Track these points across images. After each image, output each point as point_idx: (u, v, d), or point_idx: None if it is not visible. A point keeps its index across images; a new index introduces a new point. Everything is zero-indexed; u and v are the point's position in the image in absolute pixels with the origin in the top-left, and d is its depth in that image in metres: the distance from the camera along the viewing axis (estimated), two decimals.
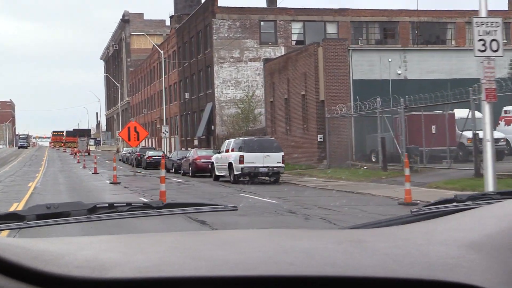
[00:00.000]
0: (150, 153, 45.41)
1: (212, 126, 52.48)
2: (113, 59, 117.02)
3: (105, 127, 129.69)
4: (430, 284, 1.14)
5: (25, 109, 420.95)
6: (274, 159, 25.02)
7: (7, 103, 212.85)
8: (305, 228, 4.20)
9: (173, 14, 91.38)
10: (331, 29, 52.94)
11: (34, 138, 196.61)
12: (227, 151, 26.90)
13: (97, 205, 2.21)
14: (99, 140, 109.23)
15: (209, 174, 30.25)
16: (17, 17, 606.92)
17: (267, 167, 24.92)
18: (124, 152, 59.66)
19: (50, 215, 2.13)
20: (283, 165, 25.38)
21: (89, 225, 8.14)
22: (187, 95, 61.50)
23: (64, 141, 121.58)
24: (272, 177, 24.95)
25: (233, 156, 25.61)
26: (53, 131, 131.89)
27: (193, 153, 33.27)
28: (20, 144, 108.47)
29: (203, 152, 33.56)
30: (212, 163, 28.75)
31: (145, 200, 4.19)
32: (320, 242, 1.45)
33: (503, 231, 1.35)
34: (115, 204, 2.26)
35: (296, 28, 53.06)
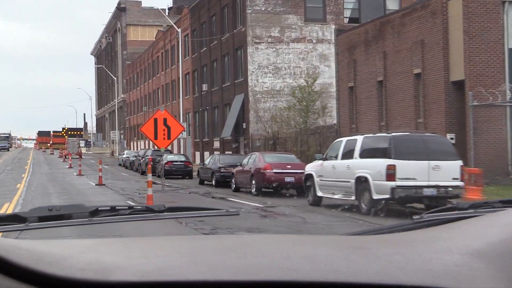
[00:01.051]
0: (169, 157, 33.96)
1: (244, 124, 41.19)
2: (105, 54, 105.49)
3: (95, 128, 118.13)
4: None
5: (8, 109, 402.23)
6: (447, 172, 13.92)
7: None
8: (308, 234, 3.69)
9: (171, 6, 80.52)
10: (392, 4, 41.77)
11: (18, 139, 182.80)
12: (346, 155, 15.60)
13: (99, 208, 2.20)
14: (90, 142, 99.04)
15: (286, 193, 20.64)
16: (3, 17, 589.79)
17: (436, 186, 13.82)
18: (125, 155, 48.42)
19: (52, 217, 2.12)
20: (461, 183, 14.26)
21: (91, 228, 7.63)
22: (204, 87, 50.09)
23: (51, 142, 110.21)
24: (440, 202, 13.59)
25: (369, 165, 14.41)
26: (39, 131, 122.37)
27: (257, 160, 21.96)
28: (0, 146, 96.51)
29: (272, 158, 22.27)
30: (308, 176, 17.45)
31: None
32: (322, 248, 1.46)
33: (505, 240, 1.34)
34: (117, 207, 2.26)
35: (350, 3, 41.98)
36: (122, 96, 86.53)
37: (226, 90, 45.77)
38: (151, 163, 21.87)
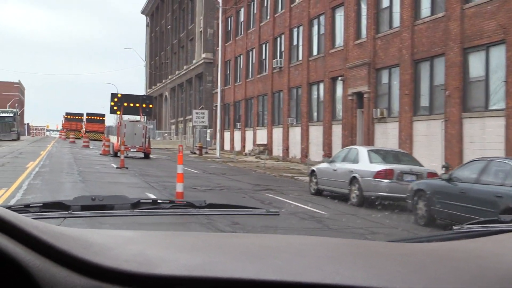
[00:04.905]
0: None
1: None
2: (168, 4, 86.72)
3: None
4: None
5: (37, 98, 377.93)
6: None
7: (14, 85, 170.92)
8: (351, 239, 2.06)
9: None
10: None
11: (45, 129, 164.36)
12: None
13: (141, 200, 2.25)
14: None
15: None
16: (33, 4, 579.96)
17: None
18: (337, 166, 32.87)
19: (94, 207, 2.18)
20: None
21: (131, 220, 6.63)
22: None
23: (84, 129, 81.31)
24: None
25: None
26: (66, 113, 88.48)
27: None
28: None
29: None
30: None
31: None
32: (364, 253, 1.46)
33: None
34: (158, 201, 2.31)
35: None
36: (204, 56, 63.01)
37: None
38: None
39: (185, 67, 72.42)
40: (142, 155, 36.86)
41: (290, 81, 38.54)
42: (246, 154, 43.87)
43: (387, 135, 26.69)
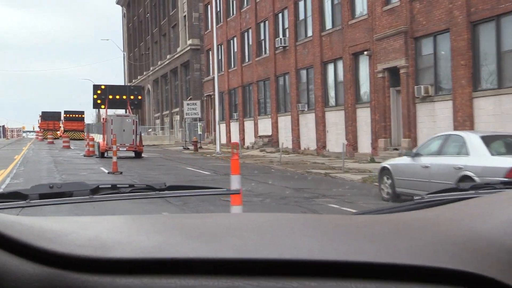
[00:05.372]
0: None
1: None
2: None
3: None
4: (434, 271, 1.11)
5: (12, 99, 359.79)
6: None
7: None
8: (310, 214, 3.59)
9: None
10: None
11: (21, 130, 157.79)
12: None
13: (100, 186, 2.22)
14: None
15: None
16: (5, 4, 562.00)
17: None
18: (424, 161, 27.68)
19: (53, 195, 2.15)
20: None
21: (91, 206, 8.41)
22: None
23: (62, 128, 76.06)
24: None
25: None
26: (42, 112, 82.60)
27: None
28: None
29: None
30: None
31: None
32: (322, 226, 1.46)
33: (507, 221, 1.32)
34: (117, 185, 2.27)
35: None
36: (190, 42, 57.64)
37: None
38: None
39: (168, 57, 67.05)
40: (132, 154, 31.78)
41: (298, 61, 33.64)
42: (248, 148, 38.96)
43: (436, 117, 21.94)
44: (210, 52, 50.38)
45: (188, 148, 43.84)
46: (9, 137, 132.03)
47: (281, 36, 35.77)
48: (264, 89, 39.22)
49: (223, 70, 47.46)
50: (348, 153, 28.06)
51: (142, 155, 32.06)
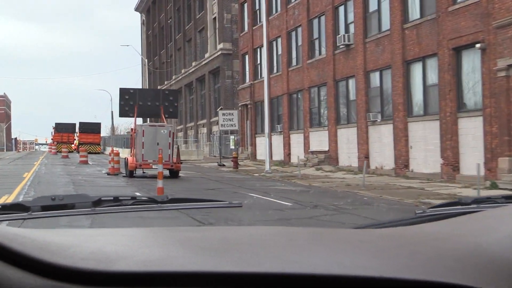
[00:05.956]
0: None
1: None
2: None
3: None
4: (438, 286, 1.12)
5: (25, 111, 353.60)
6: None
7: None
8: (311, 227, 3.38)
9: None
10: None
11: (33, 143, 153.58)
12: None
13: (102, 198, 2.23)
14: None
15: None
16: (18, 18, 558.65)
17: None
18: None
19: (55, 207, 2.16)
20: None
21: (94, 218, 8.35)
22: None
23: (77, 141, 69.36)
24: None
25: None
26: (56, 124, 75.05)
27: None
28: None
29: None
30: None
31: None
32: (325, 240, 1.46)
33: (509, 236, 1.32)
34: (120, 198, 2.27)
35: None
36: (221, 46, 51.91)
37: None
38: None
39: (194, 64, 61.37)
40: (167, 172, 25.91)
41: (368, 62, 27.73)
42: (300, 165, 33.04)
43: None
44: (247, 56, 44.59)
45: (223, 165, 37.98)
46: (20, 150, 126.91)
47: (343, 32, 29.89)
48: (319, 97, 33.32)
49: (262, 76, 41.73)
50: (445, 175, 22.01)
51: (180, 173, 26.10)
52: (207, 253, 1.24)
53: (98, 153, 70.34)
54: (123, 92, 27.65)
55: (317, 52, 33.56)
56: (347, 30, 29.82)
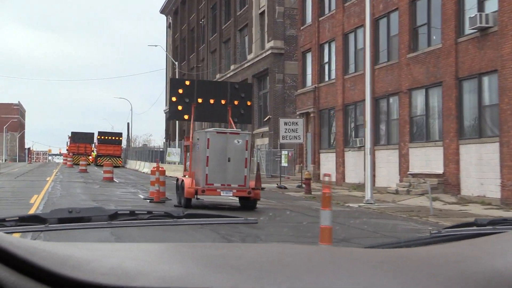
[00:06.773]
0: None
1: None
2: None
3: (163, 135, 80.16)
4: None
5: (40, 122, 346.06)
6: None
7: (13, 106, 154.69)
8: (329, 246, 3.49)
9: None
10: None
11: (47, 154, 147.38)
12: None
13: (118, 212, 2.21)
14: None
15: None
16: (33, 26, 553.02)
17: None
18: None
19: (71, 219, 2.16)
20: None
21: (109, 231, 8.19)
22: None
23: (95, 152, 64.35)
24: None
25: None
26: (72, 133, 68.94)
27: None
28: None
29: None
30: None
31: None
32: (342, 260, 1.46)
33: None
34: (136, 212, 2.26)
35: None
36: (271, 45, 43.51)
37: None
38: None
39: (232, 67, 53.33)
40: (236, 200, 17.78)
41: None
42: (401, 191, 24.69)
43: None
44: (309, 55, 36.47)
45: (285, 187, 29.78)
46: (32, 161, 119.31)
47: (475, 12, 21.67)
48: (426, 101, 25.03)
49: (332, 77, 33.57)
50: None
51: (257, 204, 17.80)
52: (226, 270, 1.23)
53: (119, 166, 62.71)
54: (175, 84, 19.50)
55: (424, 42, 25.32)
56: (481, 8, 21.60)
